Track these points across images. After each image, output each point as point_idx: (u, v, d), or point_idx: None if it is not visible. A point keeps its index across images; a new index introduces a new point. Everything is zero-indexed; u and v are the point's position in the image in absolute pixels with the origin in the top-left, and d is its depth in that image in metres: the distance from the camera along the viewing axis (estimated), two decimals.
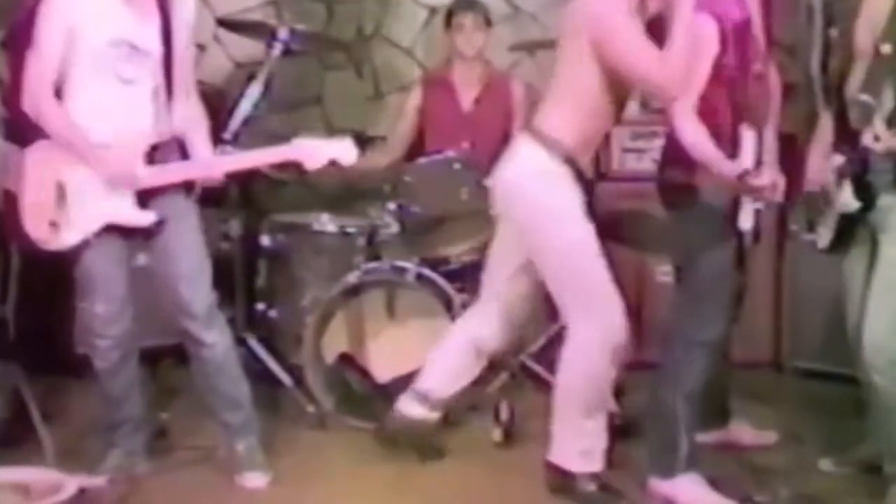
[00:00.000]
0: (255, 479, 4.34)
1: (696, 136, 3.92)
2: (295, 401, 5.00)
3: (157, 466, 4.42)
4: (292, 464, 4.49)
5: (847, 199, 3.98)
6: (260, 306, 5.28)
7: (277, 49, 4.80)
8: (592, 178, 4.18)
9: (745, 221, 3.92)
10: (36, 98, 4.03)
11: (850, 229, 4.05)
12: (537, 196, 4.13)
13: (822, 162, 4.12)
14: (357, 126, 5.92)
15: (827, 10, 5.10)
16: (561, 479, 4.22)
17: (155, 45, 4.11)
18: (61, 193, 4.05)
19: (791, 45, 5.99)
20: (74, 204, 4.06)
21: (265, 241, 5.29)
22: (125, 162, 4.05)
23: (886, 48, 3.83)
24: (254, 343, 5.10)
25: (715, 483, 4.15)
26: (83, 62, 4.02)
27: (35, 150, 4.10)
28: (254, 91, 4.47)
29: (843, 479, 4.31)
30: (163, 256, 4.20)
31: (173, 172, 4.18)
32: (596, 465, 4.21)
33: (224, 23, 5.62)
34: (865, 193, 3.94)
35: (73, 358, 5.00)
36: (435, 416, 4.54)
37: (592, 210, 4.19)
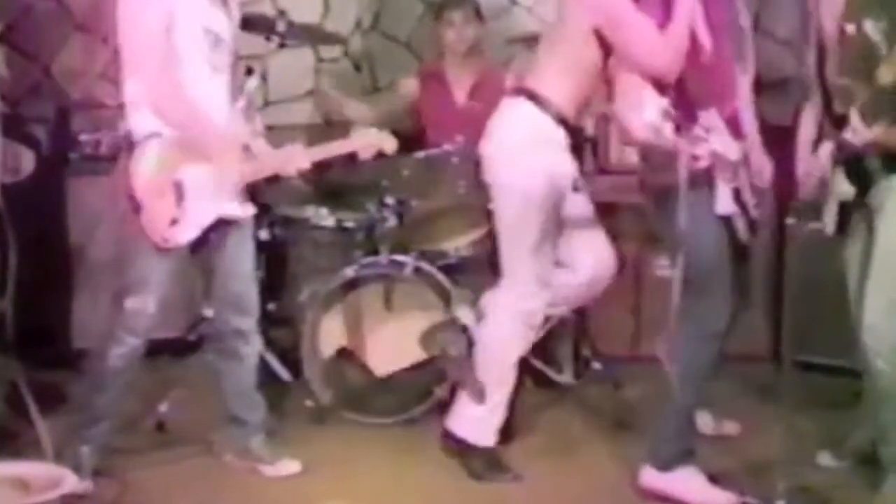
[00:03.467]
0: (290, 466, 4.39)
1: (640, 124, 3.91)
2: (293, 395, 5.01)
3: (155, 459, 4.42)
4: (290, 458, 4.49)
5: (840, 187, 3.97)
6: (258, 300, 5.27)
7: (274, 42, 4.79)
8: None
9: (722, 206, 3.92)
10: (153, 89, 3.95)
11: (851, 214, 4.05)
12: (525, 163, 4.22)
13: (807, 155, 4.12)
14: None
15: None
16: (457, 448, 4.37)
17: (228, 33, 4.13)
18: (179, 191, 4.01)
19: (788, 39, 6.02)
20: (191, 200, 4.02)
21: (263, 234, 5.27)
22: (232, 154, 4.08)
23: (851, 28, 3.82)
24: None
25: (712, 477, 4.16)
26: (181, 50, 3.98)
27: (146, 150, 3.99)
28: (251, 84, 4.46)
29: (840, 471, 4.32)
30: (230, 252, 4.22)
31: (269, 166, 4.22)
32: (490, 439, 4.36)
33: None
34: (859, 179, 3.94)
35: (72, 352, 5.00)
36: None
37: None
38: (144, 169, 3.98)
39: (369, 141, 4.29)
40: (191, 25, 3.99)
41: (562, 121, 4.21)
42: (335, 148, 4.30)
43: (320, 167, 4.42)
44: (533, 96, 4.22)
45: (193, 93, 4.00)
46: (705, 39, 3.96)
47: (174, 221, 4.00)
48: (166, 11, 3.94)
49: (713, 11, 4.01)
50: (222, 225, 4.15)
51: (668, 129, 3.71)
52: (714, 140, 3.87)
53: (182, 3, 3.97)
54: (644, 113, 3.79)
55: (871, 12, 3.75)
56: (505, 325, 4.34)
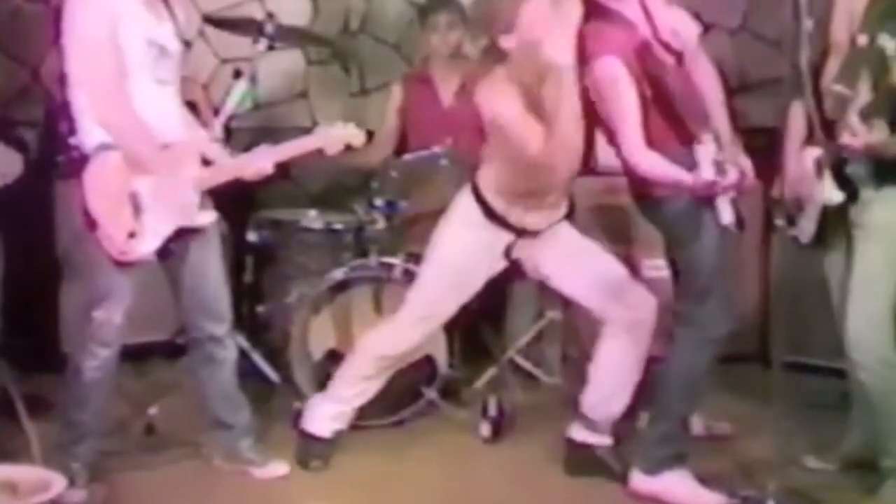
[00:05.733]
0: (279, 468, 4.39)
1: (651, 167, 3.92)
2: (282, 397, 5.00)
3: (145, 462, 4.41)
4: (279, 460, 4.48)
5: (829, 192, 3.97)
6: (247, 302, 5.27)
7: (263, 45, 4.79)
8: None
9: (725, 216, 3.93)
10: (100, 100, 3.91)
11: (831, 222, 4.06)
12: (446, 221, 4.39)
13: (798, 154, 4.12)
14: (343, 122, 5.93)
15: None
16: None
17: (175, 46, 4.10)
18: (136, 203, 3.96)
19: (777, 40, 6.03)
20: (149, 211, 3.98)
21: (252, 237, 5.28)
22: (186, 163, 4.04)
23: (863, 39, 3.83)
24: (241, 339, 5.09)
25: (701, 478, 4.16)
26: (125, 62, 3.93)
27: (98, 164, 3.94)
28: (239, 87, 4.46)
29: (830, 473, 4.33)
30: (195, 260, 4.18)
31: (226, 171, 4.17)
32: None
33: (209, 19, 5.61)
34: (848, 185, 3.94)
35: (61, 355, 4.99)
36: None
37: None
38: (99, 183, 3.93)
39: (334, 136, 4.24)
40: (133, 37, 3.95)
41: (488, 210, 4.25)
42: (298, 146, 4.25)
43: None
44: (474, 183, 4.31)
45: (139, 105, 3.96)
46: (666, 60, 3.98)
47: (132, 234, 3.95)
48: (110, 21, 3.90)
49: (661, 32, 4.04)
50: (184, 234, 4.09)
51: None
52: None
53: (124, 16, 3.93)
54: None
55: (888, 27, 3.76)
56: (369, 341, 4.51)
